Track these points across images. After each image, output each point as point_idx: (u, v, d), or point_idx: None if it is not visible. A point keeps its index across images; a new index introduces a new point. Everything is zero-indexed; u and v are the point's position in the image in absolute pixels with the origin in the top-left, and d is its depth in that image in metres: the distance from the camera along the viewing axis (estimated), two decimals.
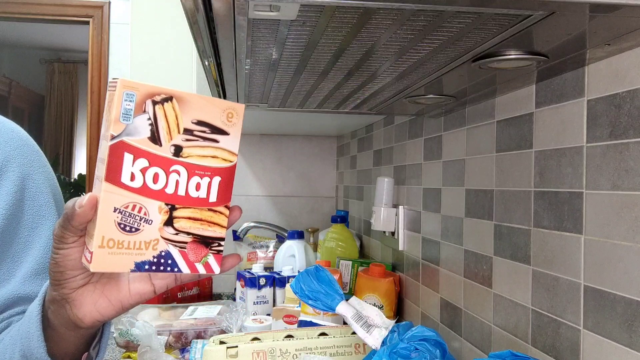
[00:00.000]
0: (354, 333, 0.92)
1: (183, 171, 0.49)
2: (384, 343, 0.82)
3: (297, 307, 1.25)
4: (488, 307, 0.86)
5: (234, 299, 1.67)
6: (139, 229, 0.48)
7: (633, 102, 0.56)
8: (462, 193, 0.96)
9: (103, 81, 2.10)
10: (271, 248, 1.91)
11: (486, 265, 0.86)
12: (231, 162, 0.51)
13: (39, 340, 0.57)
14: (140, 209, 0.48)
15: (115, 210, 0.47)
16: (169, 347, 1.29)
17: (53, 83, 5.29)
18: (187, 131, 0.49)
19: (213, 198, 0.51)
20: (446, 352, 0.75)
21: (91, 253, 0.47)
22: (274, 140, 2.10)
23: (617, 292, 0.57)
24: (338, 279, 1.19)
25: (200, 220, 0.51)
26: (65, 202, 0.52)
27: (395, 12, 0.45)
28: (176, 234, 0.50)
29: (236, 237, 1.89)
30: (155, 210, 0.49)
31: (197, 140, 0.49)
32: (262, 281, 1.50)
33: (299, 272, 1.17)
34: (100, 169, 0.47)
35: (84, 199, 0.47)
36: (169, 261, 0.50)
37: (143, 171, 0.48)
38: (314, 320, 1.14)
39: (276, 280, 1.52)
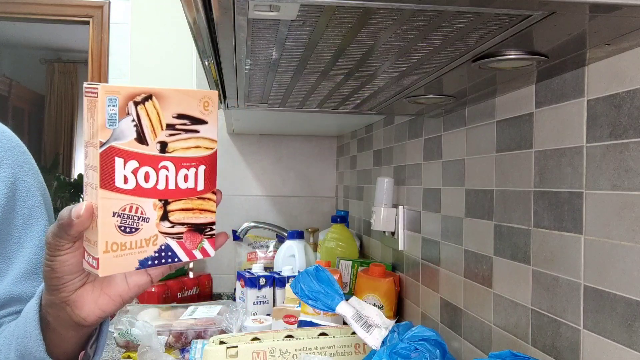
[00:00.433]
0: (354, 333, 0.92)
1: (171, 166, 0.51)
2: (384, 343, 0.81)
3: (297, 307, 1.25)
4: (488, 307, 0.86)
5: (234, 299, 1.67)
6: (138, 229, 0.50)
7: (633, 102, 0.56)
8: (462, 193, 0.96)
9: (103, 81, 2.10)
10: (271, 248, 1.92)
11: (486, 265, 0.86)
12: (212, 149, 0.53)
13: (38, 339, 0.57)
14: (137, 209, 0.49)
15: (114, 214, 0.48)
16: (169, 347, 1.29)
17: (53, 83, 5.29)
18: (170, 126, 0.50)
19: (201, 186, 0.53)
20: (446, 352, 0.75)
21: (97, 259, 0.48)
22: (274, 140, 2.10)
23: (617, 292, 0.57)
24: (338, 279, 1.19)
25: (192, 209, 0.53)
26: (59, 203, 0.52)
27: (395, 12, 0.45)
28: (172, 226, 0.52)
29: (236, 237, 1.89)
30: (151, 208, 0.50)
31: (180, 133, 0.51)
32: (262, 281, 1.50)
33: (298, 272, 1.17)
34: (92, 177, 0.48)
35: (81, 208, 0.47)
36: (169, 253, 0.52)
37: (134, 172, 0.49)
38: (314, 320, 1.14)
39: (276, 280, 1.52)
